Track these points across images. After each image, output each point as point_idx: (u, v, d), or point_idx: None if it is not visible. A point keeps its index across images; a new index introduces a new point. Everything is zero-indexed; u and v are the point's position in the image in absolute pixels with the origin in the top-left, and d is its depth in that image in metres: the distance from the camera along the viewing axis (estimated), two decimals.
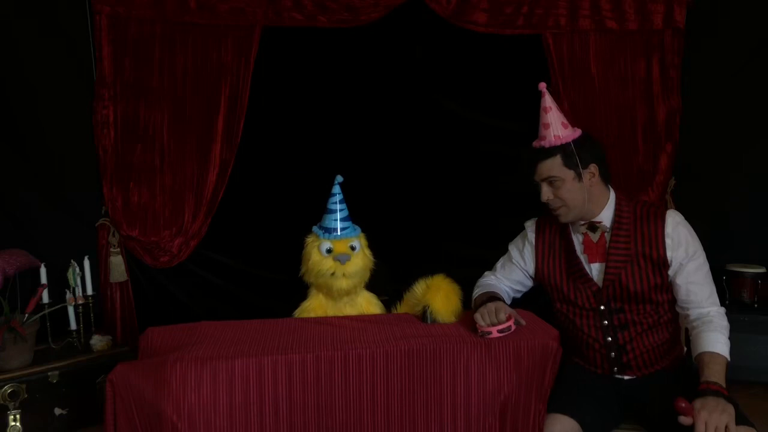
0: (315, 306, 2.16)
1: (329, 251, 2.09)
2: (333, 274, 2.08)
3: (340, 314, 2.15)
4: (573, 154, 1.89)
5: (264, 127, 3.21)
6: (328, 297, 2.16)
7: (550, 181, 1.92)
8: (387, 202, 3.22)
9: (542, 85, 1.95)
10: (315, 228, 2.17)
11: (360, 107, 3.24)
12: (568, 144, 1.91)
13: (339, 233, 2.11)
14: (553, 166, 1.91)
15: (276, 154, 3.28)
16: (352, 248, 2.11)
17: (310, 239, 2.15)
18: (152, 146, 3.04)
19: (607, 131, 3.02)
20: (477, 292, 2.13)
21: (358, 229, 2.18)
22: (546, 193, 1.94)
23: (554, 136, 1.92)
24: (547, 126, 1.93)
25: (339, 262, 2.07)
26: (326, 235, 2.11)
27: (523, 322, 1.89)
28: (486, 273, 2.22)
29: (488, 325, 1.83)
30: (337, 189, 2.15)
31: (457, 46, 3.13)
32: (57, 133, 2.95)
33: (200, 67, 3.03)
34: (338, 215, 2.12)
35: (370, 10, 2.99)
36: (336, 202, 2.14)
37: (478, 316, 1.87)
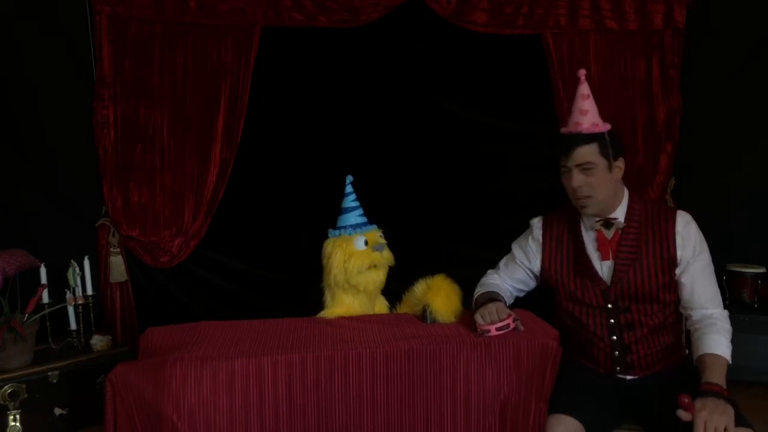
0: (342, 313, 2.11)
1: (366, 243, 2.08)
2: (375, 266, 2.08)
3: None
4: (608, 145, 1.90)
5: (264, 127, 3.20)
6: (361, 297, 2.12)
7: (585, 167, 1.89)
8: (386, 202, 3.20)
9: (582, 72, 1.97)
10: (334, 231, 2.14)
11: (360, 107, 3.23)
12: (603, 133, 1.91)
13: (368, 226, 2.12)
14: (590, 152, 1.89)
15: (276, 154, 3.28)
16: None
17: (332, 241, 2.11)
18: (152, 146, 3.04)
19: None
20: (478, 291, 2.12)
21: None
22: (578, 179, 1.90)
23: (592, 123, 1.91)
24: (585, 112, 1.92)
25: (378, 251, 2.07)
26: (357, 230, 2.11)
27: (522, 328, 1.89)
28: (489, 272, 2.21)
29: (487, 324, 1.83)
30: (350, 188, 2.17)
31: (457, 46, 3.13)
32: (57, 133, 2.95)
33: (200, 67, 3.03)
34: (359, 211, 2.15)
35: (370, 10, 2.99)
36: (354, 200, 2.16)
37: (478, 316, 1.88)
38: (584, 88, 1.95)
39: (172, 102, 3.03)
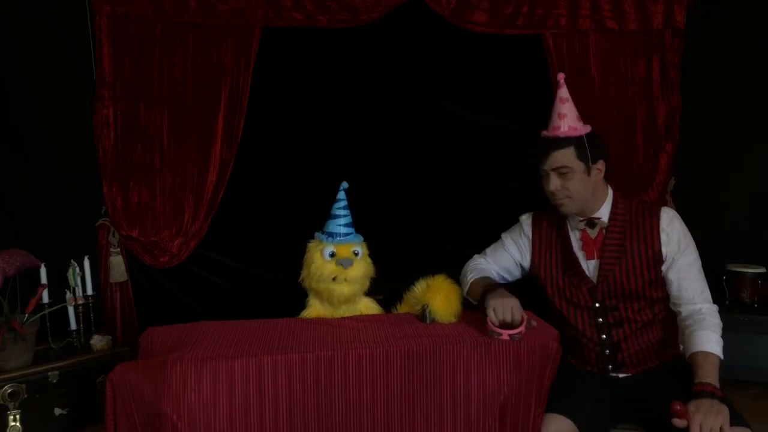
0: (313, 316, 2.13)
1: (332, 255, 2.08)
2: (335, 279, 2.07)
3: None
4: (585, 148, 1.91)
5: (264, 127, 3.21)
6: (326, 304, 2.13)
7: (562, 171, 1.92)
8: (387, 202, 3.22)
9: (561, 76, 1.98)
10: (318, 234, 2.16)
11: (360, 107, 3.23)
12: (581, 137, 1.92)
13: (342, 238, 2.10)
14: (567, 156, 1.91)
15: (276, 154, 3.28)
16: (355, 254, 2.10)
17: (312, 244, 2.14)
18: (152, 146, 3.04)
19: (607, 131, 3.00)
20: (471, 276, 2.10)
21: (361, 237, 2.17)
22: (555, 183, 1.93)
23: (569, 126, 1.93)
24: (563, 116, 1.94)
25: (341, 266, 2.06)
26: (329, 239, 2.10)
27: (535, 324, 1.87)
28: (475, 256, 2.21)
29: (500, 324, 1.80)
30: (342, 195, 2.14)
31: (457, 46, 3.13)
32: (57, 133, 2.96)
33: (200, 67, 3.03)
34: (342, 220, 2.12)
35: (370, 10, 2.99)
36: (341, 208, 2.13)
37: (491, 311, 1.81)
38: (563, 92, 1.96)
39: (172, 102, 3.04)
